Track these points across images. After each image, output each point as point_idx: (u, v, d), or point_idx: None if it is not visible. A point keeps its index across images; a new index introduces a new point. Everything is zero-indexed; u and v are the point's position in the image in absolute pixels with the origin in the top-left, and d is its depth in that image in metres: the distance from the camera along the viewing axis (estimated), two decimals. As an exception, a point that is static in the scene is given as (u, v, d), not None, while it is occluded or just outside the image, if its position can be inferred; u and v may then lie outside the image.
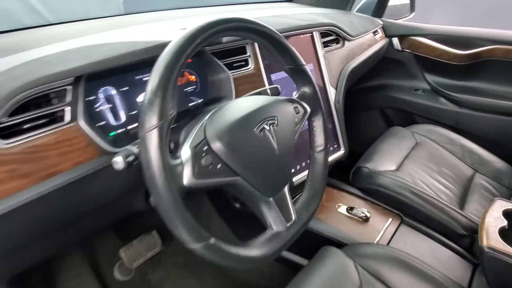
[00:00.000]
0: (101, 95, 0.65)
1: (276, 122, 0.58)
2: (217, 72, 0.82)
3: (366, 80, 1.66)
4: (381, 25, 1.53)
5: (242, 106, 0.57)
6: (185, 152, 0.49)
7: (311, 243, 0.94)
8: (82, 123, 0.58)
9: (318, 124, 0.71)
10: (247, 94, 0.73)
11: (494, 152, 1.35)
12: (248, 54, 0.90)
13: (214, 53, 0.82)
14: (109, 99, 0.66)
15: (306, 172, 1.03)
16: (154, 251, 1.13)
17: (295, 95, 0.71)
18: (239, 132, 0.53)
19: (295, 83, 0.70)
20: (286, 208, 0.61)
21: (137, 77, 0.71)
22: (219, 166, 0.51)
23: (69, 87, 0.58)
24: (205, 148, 0.50)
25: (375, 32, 1.47)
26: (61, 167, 0.57)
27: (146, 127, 0.44)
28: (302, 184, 1.02)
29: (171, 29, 0.86)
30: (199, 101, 0.83)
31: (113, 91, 0.67)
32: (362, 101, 1.76)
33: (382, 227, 1.01)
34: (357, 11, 1.67)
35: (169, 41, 0.51)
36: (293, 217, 0.62)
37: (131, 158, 0.51)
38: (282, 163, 0.60)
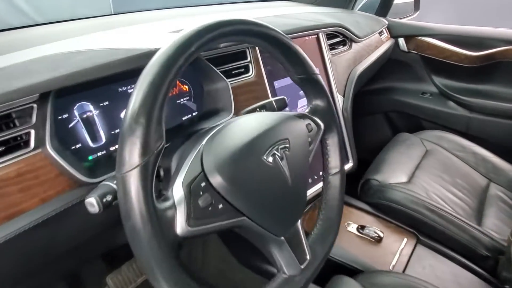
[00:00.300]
0: (75, 113, 0.55)
1: (288, 146, 0.48)
2: (213, 80, 0.72)
3: (369, 82, 1.57)
4: (386, 25, 1.44)
5: (246, 127, 0.47)
6: (178, 191, 0.39)
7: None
8: (50, 149, 0.47)
9: (332, 142, 0.61)
10: (249, 108, 0.63)
11: (509, 160, 1.27)
12: (248, 59, 0.80)
13: (209, 59, 0.71)
14: (86, 117, 0.56)
15: (314, 189, 0.94)
16: (145, 276, 1.02)
17: (305, 109, 0.60)
18: (245, 161, 0.43)
19: (306, 95, 0.60)
20: (300, 246, 0.52)
21: (120, 89, 0.61)
22: (220, 206, 0.41)
23: (34, 105, 0.47)
24: (203, 184, 0.40)
25: (380, 33, 1.38)
26: (25, 206, 0.46)
27: (125, 167, 0.33)
28: (309, 202, 0.93)
29: (161, 32, 0.75)
30: (194, 114, 0.73)
31: (91, 107, 0.57)
32: (365, 105, 1.67)
33: (397, 249, 0.91)
34: (359, 10, 1.58)
35: (157, 49, 0.41)
36: (308, 256, 0.52)
37: (109, 198, 0.40)
38: (296, 195, 0.50)
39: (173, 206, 0.38)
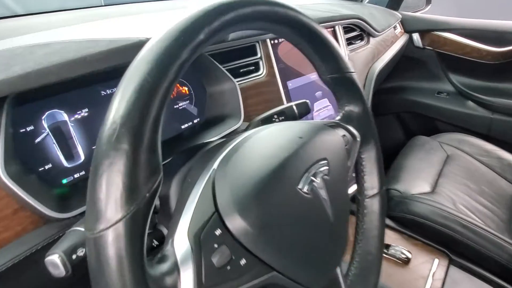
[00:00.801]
0: (44, 124, 0.42)
1: (328, 168, 0.36)
2: (218, 81, 0.60)
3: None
4: (400, 19, 1.32)
5: (272, 145, 0.35)
6: (181, 244, 0.27)
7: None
8: (4, 175, 0.35)
9: (369, 157, 0.49)
10: (265, 115, 0.51)
11: (536, 165, 1.16)
12: (258, 55, 0.67)
13: (213, 55, 0.59)
14: (58, 129, 0.43)
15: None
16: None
17: (335, 115, 0.48)
18: (276, 195, 0.31)
19: (338, 99, 0.48)
20: (338, 295, 0.40)
21: (103, 93, 0.48)
22: (243, 262, 0.28)
23: None
24: (218, 232, 0.27)
25: (394, 27, 1.26)
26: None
27: (99, 223, 0.21)
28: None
29: (156, 22, 0.63)
30: (195, 121, 0.60)
31: (65, 116, 0.44)
32: (375, 105, 1.56)
33: (428, 272, 0.80)
34: (368, 3, 1.46)
35: (148, 39, 0.28)
36: (348, 309, 0.40)
37: (81, 252, 0.28)
38: (337, 232, 0.38)
39: (175, 269, 0.25)
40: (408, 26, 1.37)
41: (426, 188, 1.01)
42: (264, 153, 0.33)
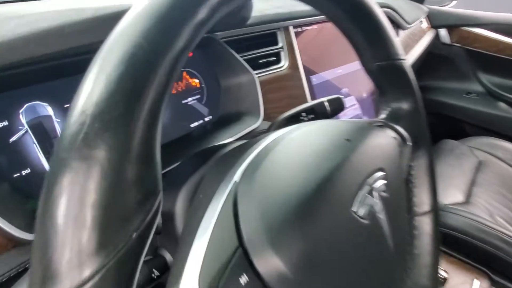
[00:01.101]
0: (22, 119, 0.34)
1: (386, 183, 0.27)
2: (235, 72, 0.52)
3: None
4: (426, 13, 1.22)
5: (313, 150, 0.26)
6: None
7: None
8: None
9: (420, 165, 0.40)
10: (291, 112, 0.42)
11: None
12: (280, 45, 0.59)
13: (228, 43, 0.51)
14: (40, 125, 0.35)
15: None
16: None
17: (380, 114, 0.39)
18: (324, 222, 0.22)
19: (382, 93, 0.39)
20: None
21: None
22: None
23: None
24: (244, 280, 0.19)
25: (421, 22, 1.16)
26: None
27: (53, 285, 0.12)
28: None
29: None
30: (207, 119, 0.52)
31: (49, 110, 0.36)
32: None
33: (467, 295, 0.70)
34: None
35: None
36: None
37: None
38: (398, 266, 0.28)
39: None
40: (435, 21, 1.27)
41: (460, 197, 0.91)
42: (303, 161, 0.24)
